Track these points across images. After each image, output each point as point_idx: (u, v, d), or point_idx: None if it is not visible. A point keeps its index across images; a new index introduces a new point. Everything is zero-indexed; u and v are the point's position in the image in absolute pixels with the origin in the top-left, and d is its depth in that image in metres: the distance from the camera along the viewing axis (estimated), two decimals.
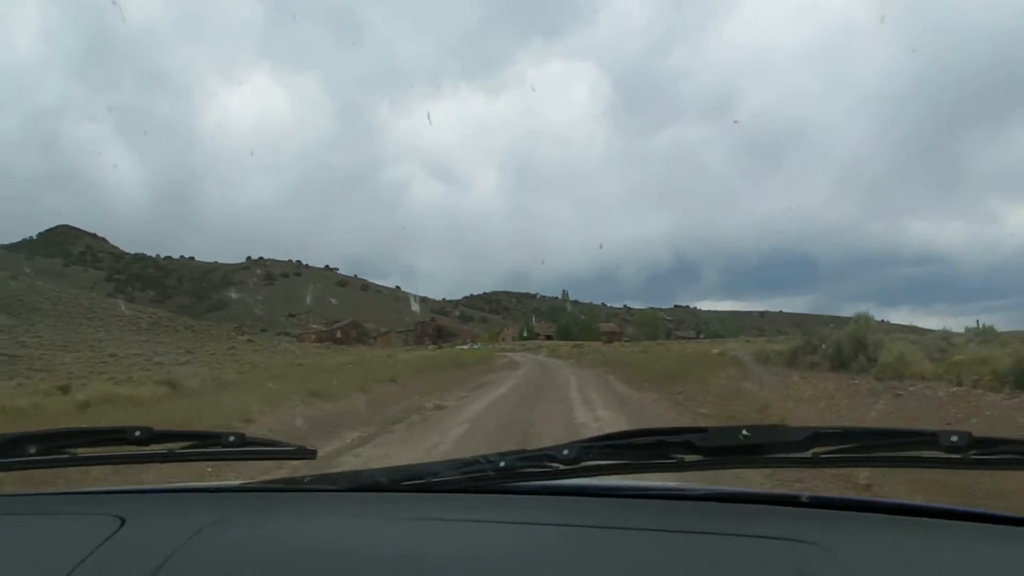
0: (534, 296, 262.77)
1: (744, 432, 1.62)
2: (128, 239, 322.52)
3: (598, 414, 16.46)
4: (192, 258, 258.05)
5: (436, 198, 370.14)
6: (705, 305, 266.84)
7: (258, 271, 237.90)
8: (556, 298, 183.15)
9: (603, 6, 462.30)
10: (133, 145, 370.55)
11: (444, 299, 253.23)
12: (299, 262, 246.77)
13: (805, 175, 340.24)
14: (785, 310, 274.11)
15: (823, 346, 20.06)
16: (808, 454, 1.61)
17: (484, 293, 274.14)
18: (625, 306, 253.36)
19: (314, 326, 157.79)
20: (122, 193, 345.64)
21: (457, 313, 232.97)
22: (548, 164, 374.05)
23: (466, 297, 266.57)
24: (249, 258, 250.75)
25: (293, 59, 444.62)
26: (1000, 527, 1.51)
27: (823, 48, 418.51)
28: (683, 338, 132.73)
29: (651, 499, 1.75)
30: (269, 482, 2.01)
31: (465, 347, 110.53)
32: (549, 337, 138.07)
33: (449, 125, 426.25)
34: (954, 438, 1.53)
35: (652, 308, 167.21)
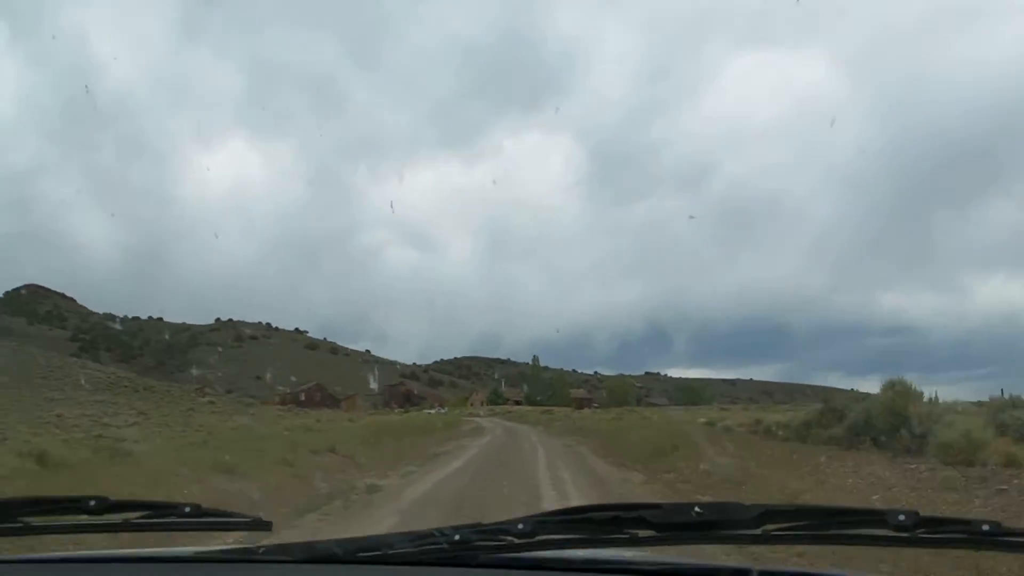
0: (504, 361, 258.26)
1: (697, 509, 1.63)
2: (98, 300, 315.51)
3: (573, 504, 12.49)
4: (160, 319, 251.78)
5: (409, 263, 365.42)
6: (675, 372, 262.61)
7: (231, 341, 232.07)
8: (527, 364, 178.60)
9: (581, 81, 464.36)
10: (107, 206, 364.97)
11: (414, 363, 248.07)
12: (269, 324, 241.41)
13: (778, 246, 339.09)
14: (755, 378, 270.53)
15: (846, 419, 16.14)
16: (759, 531, 1.62)
17: (454, 358, 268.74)
18: (596, 372, 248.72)
19: (281, 388, 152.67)
20: (94, 254, 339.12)
21: (426, 377, 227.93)
22: (522, 232, 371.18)
23: (436, 362, 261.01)
24: (219, 319, 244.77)
25: (271, 126, 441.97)
26: None
27: (796, 122, 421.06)
28: (655, 405, 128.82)
29: (606, 573, 1.75)
30: (223, 551, 1.96)
31: (432, 412, 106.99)
32: (518, 403, 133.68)
33: (425, 192, 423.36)
34: (901, 517, 1.55)
35: (622, 375, 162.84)
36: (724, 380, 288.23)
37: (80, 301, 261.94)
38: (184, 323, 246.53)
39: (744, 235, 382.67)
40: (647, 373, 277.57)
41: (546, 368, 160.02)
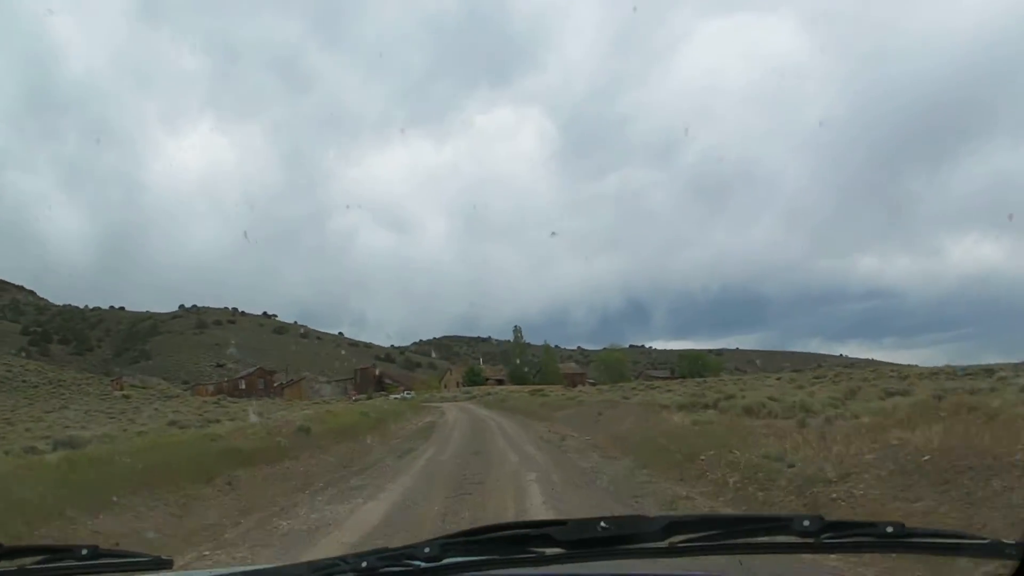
0: (485, 340, 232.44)
1: (602, 524, 1.56)
2: (63, 292, 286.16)
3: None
4: (122, 308, 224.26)
5: (385, 245, 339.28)
6: (658, 344, 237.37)
7: (193, 328, 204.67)
8: (508, 341, 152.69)
9: (549, 54, 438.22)
10: (73, 197, 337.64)
11: (392, 346, 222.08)
12: (235, 309, 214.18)
13: (753, 214, 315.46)
14: (740, 347, 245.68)
15: None
16: (665, 544, 1.55)
17: (434, 339, 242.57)
18: (579, 348, 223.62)
19: (231, 376, 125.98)
20: (59, 245, 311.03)
21: (403, 359, 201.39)
22: (497, 209, 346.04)
23: (415, 343, 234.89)
24: (182, 306, 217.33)
25: (238, 108, 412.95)
26: None
27: (766, 89, 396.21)
28: (655, 378, 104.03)
29: None
30: None
31: (397, 397, 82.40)
32: (500, 381, 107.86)
33: (396, 172, 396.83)
34: (806, 522, 1.51)
35: (614, 346, 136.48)
36: (709, 350, 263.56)
37: (40, 294, 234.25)
38: (147, 311, 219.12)
39: (718, 204, 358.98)
40: (631, 346, 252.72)
41: (529, 344, 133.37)
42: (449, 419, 37.09)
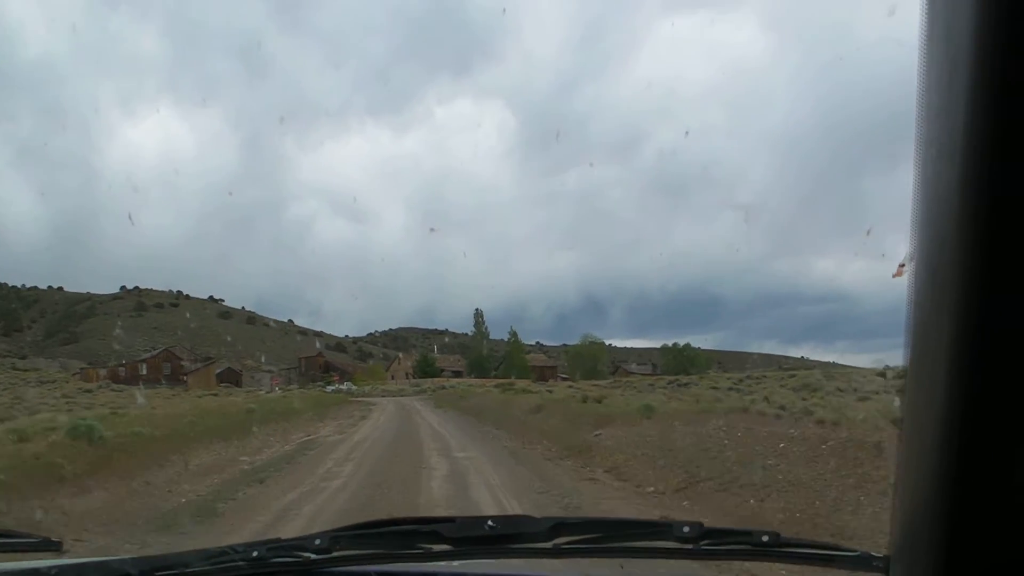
0: (442, 332, 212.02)
1: (490, 523, 1.54)
2: (9, 273, 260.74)
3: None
4: (60, 288, 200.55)
5: (342, 235, 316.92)
6: (616, 342, 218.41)
7: (132, 310, 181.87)
8: (465, 334, 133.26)
9: (511, 46, 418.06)
10: (25, 177, 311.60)
11: (346, 335, 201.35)
12: (179, 292, 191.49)
13: (711, 215, 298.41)
14: (697, 347, 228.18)
15: None
16: (550, 545, 1.53)
17: (389, 330, 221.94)
18: (538, 343, 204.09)
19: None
20: (9, 226, 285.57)
21: (355, 349, 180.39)
22: (456, 201, 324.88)
23: (369, 334, 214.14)
24: (124, 287, 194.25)
25: (196, 93, 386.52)
26: None
27: (727, 87, 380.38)
28: (633, 373, 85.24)
29: None
30: (11, 572, 1.76)
31: (332, 388, 63.00)
32: (458, 373, 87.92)
33: (355, 162, 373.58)
34: (686, 529, 1.49)
35: (588, 336, 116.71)
36: (670, 348, 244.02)
37: None
38: (88, 292, 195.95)
39: (677, 203, 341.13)
40: (592, 343, 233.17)
41: (488, 337, 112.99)
42: (352, 441, 17.30)
